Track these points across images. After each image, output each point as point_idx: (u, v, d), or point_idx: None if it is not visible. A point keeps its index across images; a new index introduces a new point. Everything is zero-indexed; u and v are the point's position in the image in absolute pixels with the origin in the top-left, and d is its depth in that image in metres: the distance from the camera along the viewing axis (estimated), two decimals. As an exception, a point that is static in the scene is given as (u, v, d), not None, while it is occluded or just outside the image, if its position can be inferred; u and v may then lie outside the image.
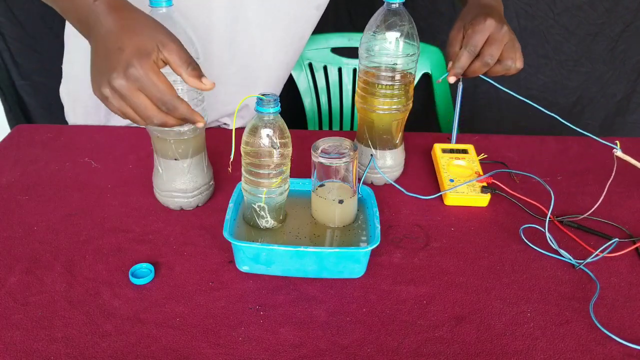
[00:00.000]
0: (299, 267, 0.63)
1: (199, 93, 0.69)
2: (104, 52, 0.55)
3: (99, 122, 0.98)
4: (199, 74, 0.57)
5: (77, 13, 0.59)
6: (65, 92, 1.00)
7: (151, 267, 0.64)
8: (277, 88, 1.01)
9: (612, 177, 0.72)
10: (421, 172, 0.86)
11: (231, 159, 0.61)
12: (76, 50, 0.93)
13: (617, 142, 0.72)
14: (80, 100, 0.97)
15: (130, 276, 0.63)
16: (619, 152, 0.72)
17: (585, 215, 0.75)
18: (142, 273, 0.64)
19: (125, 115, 0.57)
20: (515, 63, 0.73)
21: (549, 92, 1.45)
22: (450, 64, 0.74)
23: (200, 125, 0.59)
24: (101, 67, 0.55)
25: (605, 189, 0.73)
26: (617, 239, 0.67)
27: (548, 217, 0.70)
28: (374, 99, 0.76)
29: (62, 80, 0.99)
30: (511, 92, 0.77)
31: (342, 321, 0.59)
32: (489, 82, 0.76)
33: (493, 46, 0.71)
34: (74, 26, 0.61)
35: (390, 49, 0.73)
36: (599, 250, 0.66)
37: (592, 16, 1.34)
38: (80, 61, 0.92)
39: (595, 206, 0.74)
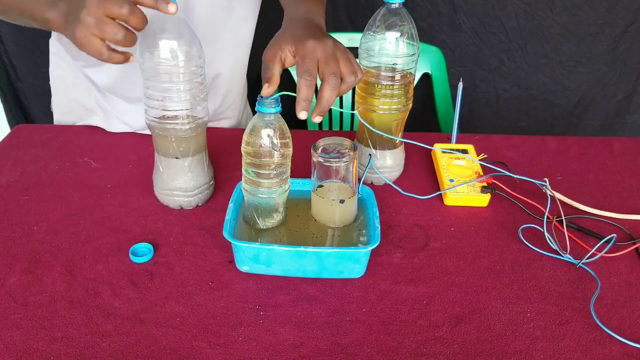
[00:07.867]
0: (299, 267, 0.63)
1: (202, 91, 0.68)
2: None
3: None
4: None
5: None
6: (56, 105, 1.00)
7: (150, 246, 0.66)
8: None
9: (546, 210, 0.70)
10: (421, 172, 0.86)
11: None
12: (61, 67, 0.94)
13: (546, 179, 0.73)
14: (72, 113, 0.98)
15: (130, 255, 0.65)
16: (549, 191, 0.73)
17: (585, 216, 0.75)
18: (142, 252, 0.66)
19: (114, 38, 0.57)
20: (356, 75, 0.63)
21: (550, 92, 1.45)
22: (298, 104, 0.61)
23: (172, 9, 0.59)
24: (74, 12, 0.58)
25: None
26: (614, 235, 0.67)
27: (546, 217, 0.70)
28: (374, 99, 0.76)
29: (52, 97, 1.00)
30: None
31: (342, 321, 0.59)
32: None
33: (330, 65, 0.62)
34: (42, 26, 0.65)
35: (390, 49, 0.73)
36: (597, 245, 0.66)
37: (591, 16, 1.34)
38: (66, 74, 0.94)
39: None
